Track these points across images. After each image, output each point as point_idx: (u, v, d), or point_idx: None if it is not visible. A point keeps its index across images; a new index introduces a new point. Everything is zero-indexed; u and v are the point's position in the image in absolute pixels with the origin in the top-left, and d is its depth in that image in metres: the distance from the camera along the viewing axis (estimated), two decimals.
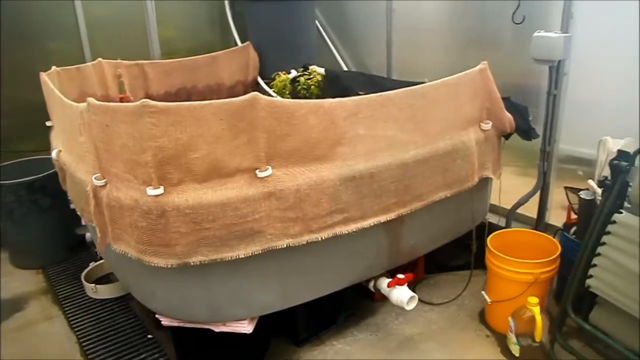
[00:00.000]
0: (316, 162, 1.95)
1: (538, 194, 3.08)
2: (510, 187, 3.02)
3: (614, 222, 2.12)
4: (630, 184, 2.13)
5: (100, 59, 3.53)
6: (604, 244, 2.16)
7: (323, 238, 2.01)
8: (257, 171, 1.85)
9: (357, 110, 2.01)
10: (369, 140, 2.05)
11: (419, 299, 2.80)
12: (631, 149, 2.18)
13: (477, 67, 2.38)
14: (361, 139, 2.03)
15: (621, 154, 2.17)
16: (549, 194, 3.08)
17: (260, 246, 1.91)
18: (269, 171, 1.86)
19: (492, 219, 3.20)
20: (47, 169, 3.20)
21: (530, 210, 3.14)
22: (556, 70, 2.80)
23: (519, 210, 3.15)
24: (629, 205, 2.13)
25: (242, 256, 1.90)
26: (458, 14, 3.49)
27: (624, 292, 2.08)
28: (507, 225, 3.12)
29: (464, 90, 2.35)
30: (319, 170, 1.95)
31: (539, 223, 3.12)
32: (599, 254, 2.18)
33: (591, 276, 2.21)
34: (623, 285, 2.08)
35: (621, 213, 2.12)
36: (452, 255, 2.99)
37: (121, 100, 3.67)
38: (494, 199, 3.00)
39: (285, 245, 1.95)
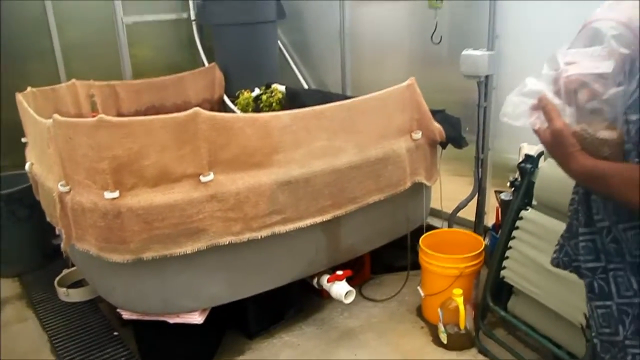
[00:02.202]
0: (254, 168, 2.22)
1: (476, 198, 3.37)
2: (462, 193, 3.35)
3: (521, 218, 2.41)
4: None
5: (74, 80, 3.78)
6: (514, 238, 2.44)
7: (263, 236, 2.28)
8: (200, 176, 2.12)
9: (292, 123, 2.29)
10: (303, 149, 2.33)
11: (364, 297, 3.08)
12: None
13: (405, 82, 2.67)
14: (295, 148, 2.30)
15: (528, 157, 2.45)
16: (486, 198, 3.36)
17: (205, 243, 2.17)
18: (211, 176, 2.13)
19: (436, 222, 3.49)
20: (23, 182, 3.42)
21: (472, 213, 3.43)
22: (484, 85, 3.11)
23: (461, 214, 3.44)
24: (536, 203, 2.42)
25: (189, 252, 2.15)
26: (409, 34, 3.80)
27: (532, 281, 2.35)
28: (449, 228, 3.40)
29: (393, 103, 2.63)
30: (256, 176, 2.22)
31: (478, 225, 3.40)
32: (510, 247, 2.46)
33: (504, 267, 2.49)
34: (531, 275, 2.35)
35: (527, 210, 2.41)
36: (397, 256, 3.24)
37: (93, 117, 3.93)
38: (437, 204, 3.29)
39: (227, 242, 2.21)
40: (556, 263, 1.33)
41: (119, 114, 4.01)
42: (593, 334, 1.23)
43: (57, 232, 3.46)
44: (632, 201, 1.01)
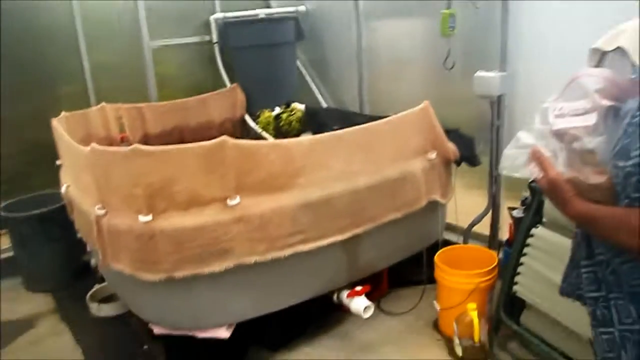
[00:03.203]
0: (277, 191, 2.36)
1: (490, 214, 3.48)
2: (476, 206, 3.45)
3: (532, 235, 2.52)
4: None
5: (103, 103, 3.97)
6: (525, 254, 2.55)
7: (286, 255, 2.41)
8: (228, 200, 2.26)
9: (312, 148, 2.43)
10: (323, 172, 2.46)
11: (382, 310, 3.19)
12: None
13: (419, 106, 2.80)
14: (316, 171, 2.44)
15: None
16: (500, 214, 3.47)
17: (232, 262, 2.31)
18: (238, 200, 2.27)
19: (451, 237, 3.59)
20: (55, 202, 3.60)
21: (486, 227, 3.53)
22: (497, 105, 3.22)
23: (476, 228, 3.54)
24: (545, 221, 2.52)
25: (218, 271, 2.30)
26: (423, 54, 3.93)
27: (543, 296, 2.46)
28: (465, 243, 3.51)
29: (409, 125, 2.77)
30: (280, 198, 2.36)
31: (492, 240, 3.50)
32: (522, 264, 2.57)
33: (517, 283, 2.59)
34: (542, 290, 2.46)
35: (537, 227, 2.51)
36: (414, 271, 3.35)
37: (121, 139, 4.11)
38: (452, 218, 3.40)
39: (253, 261, 2.34)
40: (562, 292, 1.45)
41: (146, 135, 4.20)
42: (598, 358, 1.32)
43: (88, 249, 3.65)
44: (621, 243, 1.12)
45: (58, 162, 3.37)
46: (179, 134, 4.33)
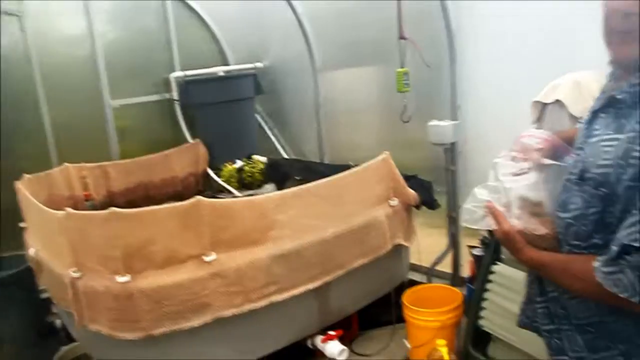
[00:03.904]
0: (252, 245, 2.46)
1: (452, 252, 3.65)
2: (438, 245, 3.66)
3: (492, 272, 2.69)
4: None
5: (66, 164, 4.01)
6: (487, 290, 2.71)
7: (261, 306, 2.49)
8: (203, 257, 2.35)
9: (283, 202, 2.55)
10: (294, 224, 2.58)
11: (355, 353, 3.28)
12: None
13: (381, 157, 2.97)
14: (287, 224, 2.55)
15: None
16: (460, 252, 3.64)
17: (210, 316, 2.38)
18: (214, 256, 2.36)
19: (416, 276, 3.74)
20: (17, 265, 3.57)
21: (448, 265, 3.70)
22: (451, 151, 3.44)
23: (439, 267, 3.71)
24: (504, 257, 2.70)
25: (196, 325, 2.36)
26: (380, 106, 4.14)
27: (507, 328, 2.61)
28: (429, 282, 3.66)
29: (371, 176, 2.92)
30: (254, 252, 2.46)
31: (455, 277, 3.67)
32: (485, 299, 2.72)
33: (481, 317, 2.74)
34: (505, 323, 2.61)
35: (497, 264, 2.68)
36: (382, 312, 3.47)
37: (85, 197, 4.14)
38: (415, 258, 3.55)
39: (230, 314, 2.42)
40: (520, 324, 1.60)
41: (110, 193, 4.24)
42: None
43: (53, 310, 3.63)
44: (564, 285, 1.30)
45: (22, 225, 3.37)
46: (143, 190, 4.38)
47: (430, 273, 3.68)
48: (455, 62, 3.35)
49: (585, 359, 1.32)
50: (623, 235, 1.11)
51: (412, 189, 3.16)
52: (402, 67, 3.39)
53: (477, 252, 3.08)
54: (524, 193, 1.32)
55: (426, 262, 3.67)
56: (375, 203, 2.96)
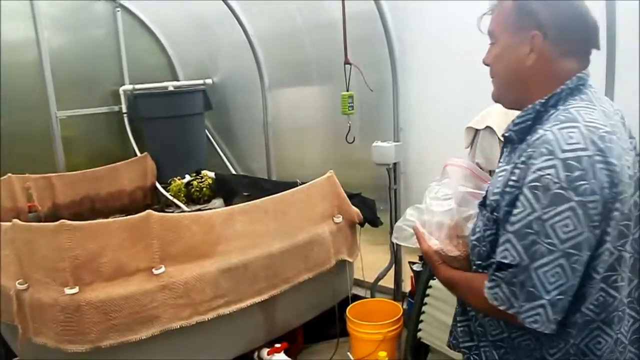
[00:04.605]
0: (200, 258, 2.53)
1: (393, 268, 3.80)
2: (381, 261, 3.77)
3: (430, 286, 2.84)
4: None
5: (9, 174, 3.94)
6: (426, 303, 2.86)
7: (209, 318, 2.56)
8: (153, 269, 2.40)
9: (231, 217, 2.64)
10: (241, 238, 2.67)
11: None
12: None
13: (326, 175, 3.10)
14: (235, 239, 2.64)
15: None
16: (402, 268, 3.79)
17: (159, 328, 2.43)
18: (162, 269, 2.42)
19: (360, 291, 3.87)
20: None
21: (391, 281, 3.84)
22: (393, 171, 3.60)
23: (381, 282, 3.84)
24: None
25: (144, 337, 2.40)
26: (327, 122, 4.27)
27: (443, 339, 2.74)
28: (372, 297, 3.79)
29: (316, 193, 3.05)
30: (202, 265, 2.53)
31: (397, 292, 3.82)
32: (423, 312, 2.87)
33: (420, 330, 2.89)
34: (442, 335, 2.75)
35: (435, 280, 2.84)
36: (327, 325, 3.57)
37: (29, 208, 4.09)
38: (359, 274, 3.67)
39: (178, 326, 2.47)
40: (450, 346, 1.71)
41: (55, 205, 4.20)
42: None
43: None
44: (470, 303, 1.44)
45: None
46: (89, 203, 4.36)
47: (373, 288, 3.81)
48: (397, 86, 3.53)
49: None
50: (497, 252, 1.24)
51: (356, 206, 3.31)
52: (347, 91, 3.54)
53: (417, 267, 3.23)
54: (441, 217, 1.45)
55: (369, 278, 3.79)
56: (320, 220, 3.08)
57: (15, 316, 2.47)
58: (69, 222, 2.32)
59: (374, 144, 3.55)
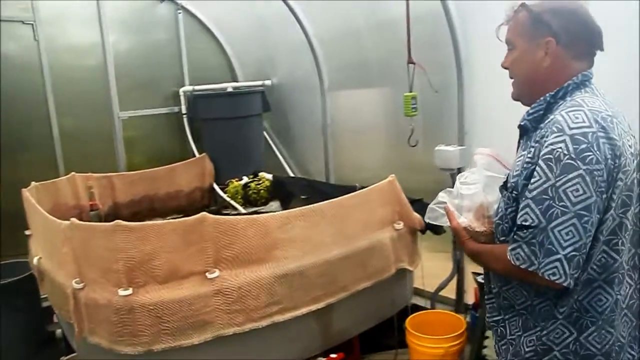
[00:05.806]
0: (255, 264, 2.45)
1: (456, 278, 3.62)
2: (442, 269, 3.62)
3: None
4: None
5: (73, 172, 4.01)
6: None
7: (263, 326, 2.47)
8: (207, 273, 2.33)
9: (287, 221, 2.54)
10: (298, 244, 2.57)
11: None
12: None
13: (387, 179, 2.96)
14: (291, 244, 2.54)
15: None
16: (464, 278, 3.61)
17: (211, 334, 2.36)
18: (217, 273, 2.35)
19: (419, 301, 3.71)
20: (20, 272, 3.57)
21: (452, 291, 3.66)
22: (456, 176, 3.42)
23: (443, 292, 3.67)
24: None
25: (197, 343, 2.34)
26: (389, 125, 4.14)
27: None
28: (432, 307, 3.63)
29: (376, 198, 2.91)
30: (257, 270, 2.44)
31: (458, 304, 3.64)
32: (488, 328, 2.69)
33: (485, 346, 2.71)
34: None
35: None
36: (385, 336, 3.44)
37: (91, 206, 4.15)
38: (419, 283, 3.52)
39: (232, 333, 2.40)
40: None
41: (115, 204, 4.25)
42: None
43: (54, 319, 3.61)
44: (493, 269, 1.67)
45: (27, 232, 3.37)
46: (148, 202, 4.39)
47: (434, 298, 3.65)
48: (463, 88, 3.36)
49: (517, 339, 1.60)
50: (518, 217, 1.44)
51: (418, 212, 3.15)
52: (410, 91, 3.40)
53: (481, 279, 3.04)
54: (469, 199, 1.67)
55: (430, 287, 3.64)
56: (380, 226, 2.94)
57: (71, 314, 2.46)
58: (124, 222, 2.28)
59: (437, 147, 3.38)
